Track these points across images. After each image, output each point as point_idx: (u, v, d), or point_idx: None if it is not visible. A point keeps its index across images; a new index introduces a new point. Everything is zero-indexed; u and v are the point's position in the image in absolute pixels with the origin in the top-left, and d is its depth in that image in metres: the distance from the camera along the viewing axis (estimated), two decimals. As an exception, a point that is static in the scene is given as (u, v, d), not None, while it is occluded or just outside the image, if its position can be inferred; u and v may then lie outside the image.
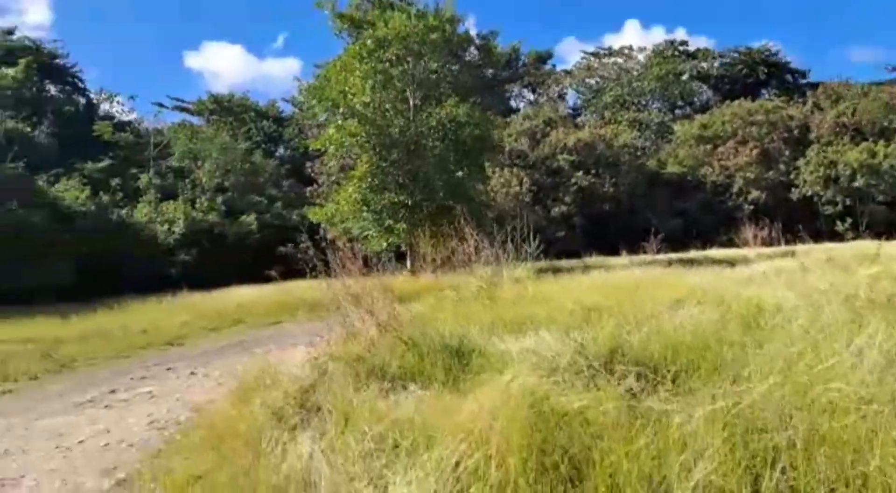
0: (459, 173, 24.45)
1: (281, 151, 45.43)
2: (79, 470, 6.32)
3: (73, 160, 31.12)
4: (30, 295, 21.73)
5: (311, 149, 26.82)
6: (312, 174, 40.85)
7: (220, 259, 29.51)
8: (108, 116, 40.35)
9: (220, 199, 33.16)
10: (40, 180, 27.08)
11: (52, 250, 24.11)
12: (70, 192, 26.80)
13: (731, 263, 17.81)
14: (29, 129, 31.69)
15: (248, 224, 32.93)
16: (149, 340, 13.48)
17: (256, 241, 32.93)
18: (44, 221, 24.81)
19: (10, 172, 26.13)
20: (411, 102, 24.96)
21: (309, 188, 39.15)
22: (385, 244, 23.04)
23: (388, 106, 24.34)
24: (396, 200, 23.00)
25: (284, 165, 41.20)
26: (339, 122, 23.26)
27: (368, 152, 23.48)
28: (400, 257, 25.15)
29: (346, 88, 23.07)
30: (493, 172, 32.69)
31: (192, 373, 10.57)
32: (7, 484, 5.97)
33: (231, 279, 26.52)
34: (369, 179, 23.06)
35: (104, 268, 26.04)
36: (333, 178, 40.16)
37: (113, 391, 9.58)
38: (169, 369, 11.03)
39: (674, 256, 26.79)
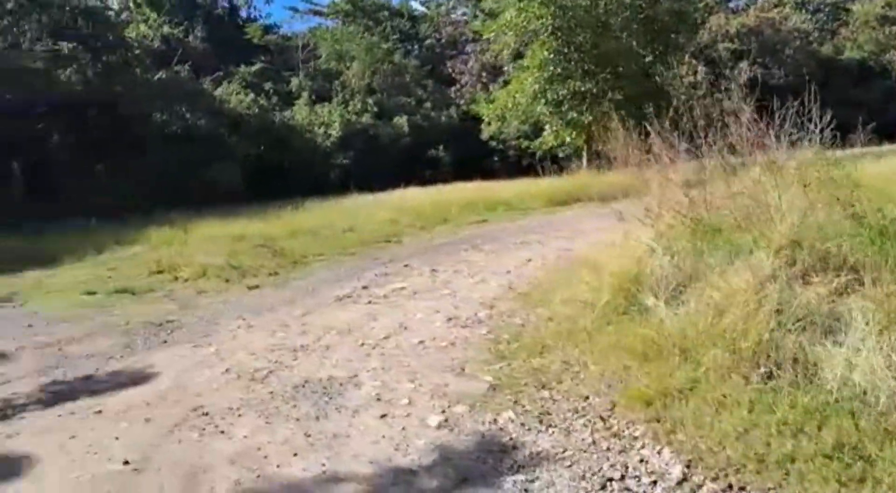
0: (649, 58, 21.97)
1: (417, 50, 43.95)
2: (423, 368, 5.68)
3: (229, 64, 31.23)
4: (203, 198, 22.17)
5: (470, 39, 25.06)
6: (453, 74, 39.32)
7: (374, 162, 29.15)
8: (252, 20, 40.25)
9: (371, 100, 32.51)
10: (203, 84, 27.30)
11: (220, 154, 24.48)
12: (234, 95, 26.92)
13: None
14: (183, 34, 31.92)
15: (399, 126, 32.24)
16: (360, 238, 13.07)
17: (407, 143, 32.31)
18: (210, 124, 25.14)
19: (176, 76, 26.48)
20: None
21: (453, 88, 37.77)
22: (568, 139, 21.47)
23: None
24: (580, 89, 21.12)
25: (424, 67, 39.81)
26: (521, 4, 21.27)
27: (549, 37, 21.44)
28: (569, 157, 23.58)
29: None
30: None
31: (434, 270, 9.92)
32: (344, 382, 5.40)
33: (386, 182, 26.17)
34: (550, 68, 21.25)
35: (269, 171, 26.32)
36: (475, 77, 38.48)
37: (365, 287, 9.10)
38: (406, 265, 10.48)
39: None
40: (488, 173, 27.21)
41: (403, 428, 4.47)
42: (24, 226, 16.29)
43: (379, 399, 4.99)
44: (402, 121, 32.05)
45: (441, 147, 32.84)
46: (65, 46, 21.91)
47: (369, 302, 8.31)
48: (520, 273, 9.25)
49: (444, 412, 4.70)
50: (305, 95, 31.83)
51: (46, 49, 21.64)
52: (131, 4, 31.99)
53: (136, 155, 21.78)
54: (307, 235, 13.19)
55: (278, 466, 4.02)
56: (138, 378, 5.67)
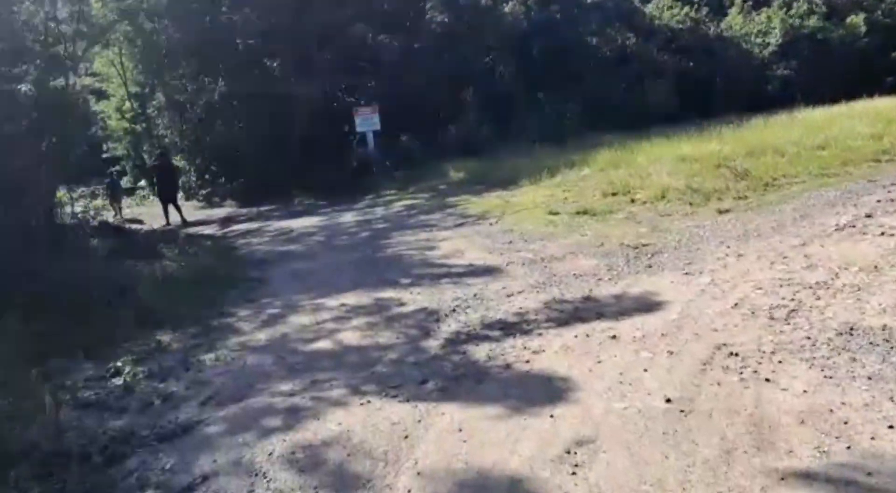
0: None
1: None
2: None
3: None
4: (634, 119, 21.58)
5: None
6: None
7: (821, 71, 24.72)
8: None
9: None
10: (634, 2, 26.34)
11: (651, 73, 23.56)
12: (666, 10, 25.41)
13: None
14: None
15: (854, 26, 26.62)
16: (839, 156, 10.86)
17: (863, 46, 26.56)
18: (642, 43, 24.26)
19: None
20: None
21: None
22: None
23: None
24: None
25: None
26: None
27: None
28: None
29: None
30: None
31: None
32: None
33: (836, 93, 21.90)
34: None
35: (699, 87, 24.50)
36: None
37: (869, 215, 7.36)
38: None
39: None
40: None
41: None
42: (480, 151, 18.09)
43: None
44: (857, 20, 26.29)
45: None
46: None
47: (882, 234, 6.61)
48: None
49: None
50: (739, 1, 28.40)
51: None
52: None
53: (572, 80, 22.31)
54: (769, 154, 11.51)
55: (872, 438, 3.10)
56: (642, 305, 5.30)
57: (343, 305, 6.52)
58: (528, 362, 4.41)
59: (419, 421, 3.74)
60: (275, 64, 20.88)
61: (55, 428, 3.92)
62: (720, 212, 8.56)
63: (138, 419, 4.24)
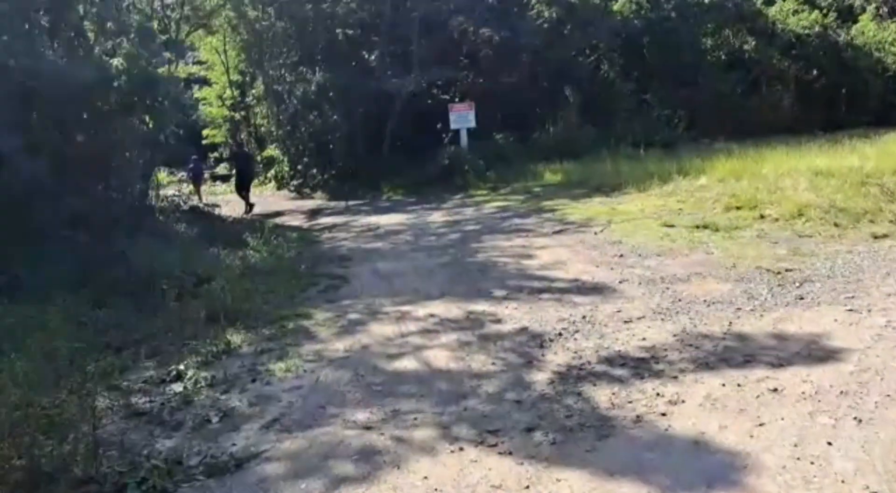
0: None
1: None
2: None
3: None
4: (750, 127, 19.93)
5: None
6: None
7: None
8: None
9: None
10: (756, 4, 24.33)
11: (770, 79, 21.72)
12: (791, 15, 23.31)
13: None
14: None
15: None
16: None
17: None
18: (762, 47, 22.35)
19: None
20: None
21: None
22: None
23: None
24: None
25: None
26: None
27: None
28: None
29: None
30: None
31: None
32: None
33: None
34: None
35: (822, 97, 22.43)
36: None
37: None
38: None
39: None
40: None
41: None
42: (580, 153, 17.01)
43: None
44: None
45: None
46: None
47: None
48: None
49: None
50: (870, 9, 25.82)
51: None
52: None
53: (682, 83, 20.85)
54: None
55: None
56: (804, 348, 4.24)
57: (431, 316, 5.76)
58: (664, 415, 3.48)
59: (527, 489, 2.89)
60: (372, 57, 20.50)
61: (94, 446, 3.32)
62: (875, 237, 7.25)
63: (190, 441, 3.60)
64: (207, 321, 5.85)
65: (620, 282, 6.27)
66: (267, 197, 20.33)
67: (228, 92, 24.54)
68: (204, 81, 25.73)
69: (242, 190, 16.27)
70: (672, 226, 8.72)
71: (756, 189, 9.82)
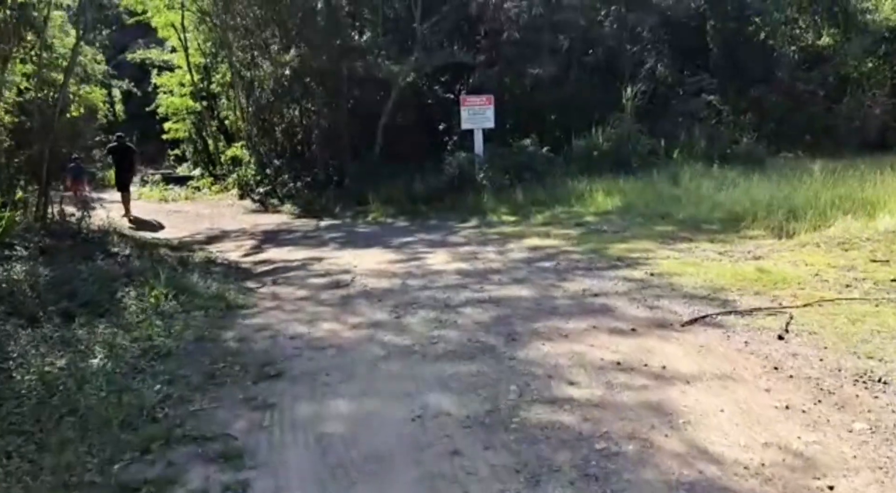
0: None
1: None
2: None
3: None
4: (837, 140, 15.79)
5: None
6: None
7: None
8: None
9: None
10: None
11: (862, 80, 17.42)
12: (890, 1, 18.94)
13: None
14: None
15: None
16: None
17: None
18: (849, 42, 18.02)
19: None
20: None
21: None
22: None
23: None
24: None
25: None
26: None
27: None
28: None
29: None
30: None
31: None
32: None
33: None
34: None
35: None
36: None
37: None
38: None
39: None
40: None
41: None
42: (633, 169, 12.69)
43: None
44: None
45: None
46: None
47: None
48: None
49: None
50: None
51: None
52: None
53: (752, 81, 16.56)
54: None
55: None
56: None
57: None
58: None
59: None
60: (363, 38, 16.08)
61: None
62: None
63: None
64: None
65: None
66: (222, 208, 15.94)
67: (188, 78, 20.06)
68: (167, 68, 21.23)
69: (122, 189, 14.11)
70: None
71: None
